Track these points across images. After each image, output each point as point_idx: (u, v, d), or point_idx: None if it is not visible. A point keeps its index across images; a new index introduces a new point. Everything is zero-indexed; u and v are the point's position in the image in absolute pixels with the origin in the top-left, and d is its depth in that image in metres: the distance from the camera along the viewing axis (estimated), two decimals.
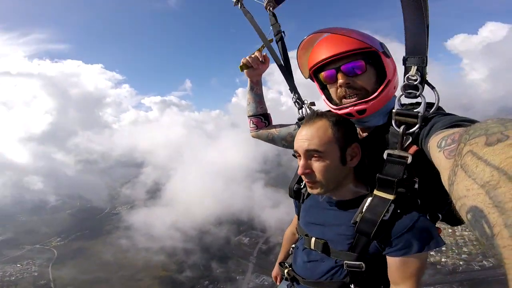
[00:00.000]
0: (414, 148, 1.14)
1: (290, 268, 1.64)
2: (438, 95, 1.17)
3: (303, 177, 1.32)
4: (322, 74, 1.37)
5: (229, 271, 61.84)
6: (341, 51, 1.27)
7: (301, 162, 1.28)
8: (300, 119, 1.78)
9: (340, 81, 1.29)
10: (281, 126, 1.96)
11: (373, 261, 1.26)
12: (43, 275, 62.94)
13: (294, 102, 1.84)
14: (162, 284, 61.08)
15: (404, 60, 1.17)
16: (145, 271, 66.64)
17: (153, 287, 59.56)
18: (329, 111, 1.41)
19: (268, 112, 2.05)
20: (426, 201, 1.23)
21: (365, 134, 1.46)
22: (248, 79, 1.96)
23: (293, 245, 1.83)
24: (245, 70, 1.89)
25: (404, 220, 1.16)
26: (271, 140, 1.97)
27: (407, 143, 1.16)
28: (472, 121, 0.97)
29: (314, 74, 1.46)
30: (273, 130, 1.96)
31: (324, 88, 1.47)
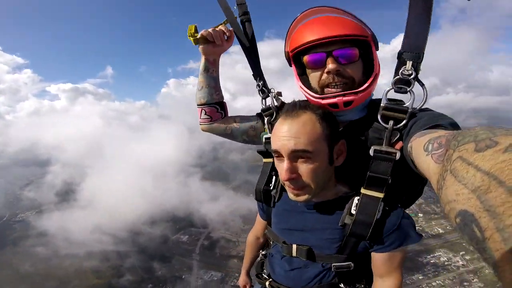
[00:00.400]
0: (400, 144, 1.12)
1: (271, 279, 1.51)
2: (427, 93, 1.14)
3: (286, 183, 1.15)
4: (307, 57, 1.25)
5: (172, 271, 62.05)
6: (336, 34, 1.16)
7: (285, 165, 1.11)
8: (264, 110, 1.57)
9: (330, 65, 1.18)
10: (241, 118, 1.71)
11: (360, 259, 1.25)
12: None
13: (259, 91, 1.61)
14: None
15: (400, 54, 1.13)
16: (76, 279, 60.79)
17: None
18: (307, 101, 1.32)
19: (224, 100, 1.72)
20: (392, 193, 1.21)
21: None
22: (203, 58, 1.61)
23: (263, 252, 1.76)
24: (202, 45, 1.55)
25: (392, 217, 1.15)
26: (229, 134, 1.70)
27: (395, 139, 1.14)
28: (453, 123, 1.01)
29: (294, 56, 1.33)
30: (232, 124, 1.68)
31: (302, 74, 1.35)
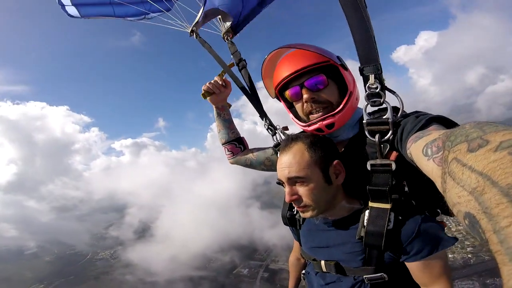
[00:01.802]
0: (394, 154, 1.14)
1: None
2: (400, 99, 1.17)
3: (293, 203, 1.27)
4: (287, 92, 1.36)
5: None
6: (301, 67, 1.28)
7: (286, 189, 1.25)
8: (276, 145, 1.72)
9: (305, 96, 1.29)
10: (258, 150, 1.89)
11: (393, 269, 1.22)
12: None
13: (267, 129, 1.80)
14: None
15: (361, 70, 1.16)
16: None
17: None
18: (303, 132, 1.44)
19: (241, 136, 1.97)
20: (420, 201, 1.24)
21: (342, 149, 1.41)
22: (214, 106, 1.90)
23: (303, 271, 1.82)
24: (208, 98, 1.84)
25: (409, 226, 1.13)
26: (249, 165, 1.90)
27: (386, 150, 1.16)
28: (437, 117, 1.03)
29: (279, 93, 1.45)
30: (250, 155, 1.89)
31: (291, 107, 1.46)
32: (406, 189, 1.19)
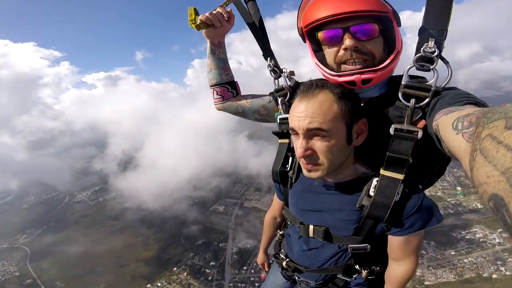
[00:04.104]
0: (423, 123, 1.07)
1: (289, 259, 1.58)
2: (451, 70, 1.08)
3: (301, 159, 1.14)
4: (322, 33, 1.17)
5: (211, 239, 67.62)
6: (354, 10, 1.08)
7: (300, 142, 1.10)
8: (277, 91, 1.56)
9: (348, 42, 1.11)
10: (252, 97, 1.70)
11: (377, 241, 1.25)
12: (26, 274, 61.37)
13: (270, 71, 1.58)
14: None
15: (421, 31, 1.06)
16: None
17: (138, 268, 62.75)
18: (326, 81, 1.23)
19: (235, 79, 1.73)
20: (413, 173, 1.20)
21: None
22: (208, 41, 1.61)
23: (280, 232, 1.81)
24: (203, 30, 1.56)
25: (412, 200, 1.11)
26: (240, 113, 1.71)
27: (417, 117, 1.10)
28: (480, 101, 0.96)
29: (309, 32, 1.25)
30: (243, 102, 1.68)
31: (318, 50, 1.28)
32: (411, 161, 1.09)
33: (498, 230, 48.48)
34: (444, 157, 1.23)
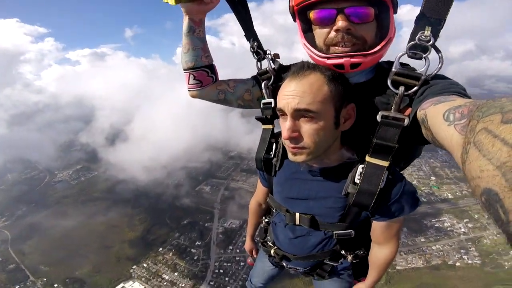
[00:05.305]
0: (409, 110, 1.06)
1: (277, 247, 1.58)
2: (443, 60, 1.05)
3: (286, 142, 1.11)
4: (315, 13, 1.12)
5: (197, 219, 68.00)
6: None
7: (287, 123, 1.07)
8: (261, 74, 1.49)
9: (341, 23, 1.05)
10: (234, 81, 1.57)
11: (361, 227, 1.27)
12: (8, 259, 60.23)
13: (253, 53, 1.50)
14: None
15: (419, 18, 1.04)
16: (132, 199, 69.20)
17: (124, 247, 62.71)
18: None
19: (213, 63, 1.56)
20: (398, 160, 1.23)
21: None
22: (186, 18, 1.41)
23: (266, 220, 1.81)
24: (184, 4, 1.35)
25: (395, 187, 1.12)
26: (222, 100, 1.56)
27: (404, 105, 1.08)
28: (467, 95, 0.96)
29: (300, 10, 1.19)
30: (225, 87, 1.54)
31: (307, 31, 1.22)
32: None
33: (465, 220, 51.96)
34: (424, 143, 1.15)
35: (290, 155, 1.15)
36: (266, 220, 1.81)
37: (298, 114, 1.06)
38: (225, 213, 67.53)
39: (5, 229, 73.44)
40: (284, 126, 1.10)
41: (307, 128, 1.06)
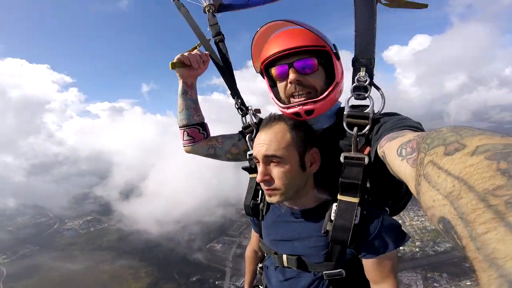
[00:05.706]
0: (368, 149, 1.14)
1: None
2: (384, 96, 1.15)
3: (262, 184, 1.23)
4: (274, 70, 1.29)
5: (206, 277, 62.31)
6: (295, 46, 1.21)
7: (260, 168, 1.21)
8: (245, 128, 1.64)
9: (291, 76, 1.23)
10: (223, 137, 1.73)
11: (351, 265, 1.26)
12: None
13: (237, 109, 1.67)
14: None
15: (354, 61, 1.15)
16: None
17: None
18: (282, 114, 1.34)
19: (205, 121, 1.73)
20: (376, 198, 1.27)
21: None
22: (181, 81, 1.62)
23: (260, 265, 1.83)
24: (178, 69, 1.57)
25: (372, 221, 1.15)
26: (212, 154, 1.72)
27: (361, 144, 1.16)
28: (417, 126, 1.01)
29: (265, 68, 1.37)
30: (214, 143, 1.70)
31: (274, 86, 1.39)
32: (368, 185, 1.16)
33: None
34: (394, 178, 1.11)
35: (267, 197, 1.26)
36: (260, 265, 1.82)
37: (268, 159, 1.19)
38: (238, 271, 62.33)
39: (3, 265, 70.03)
40: (258, 171, 1.22)
41: (276, 171, 1.18)
